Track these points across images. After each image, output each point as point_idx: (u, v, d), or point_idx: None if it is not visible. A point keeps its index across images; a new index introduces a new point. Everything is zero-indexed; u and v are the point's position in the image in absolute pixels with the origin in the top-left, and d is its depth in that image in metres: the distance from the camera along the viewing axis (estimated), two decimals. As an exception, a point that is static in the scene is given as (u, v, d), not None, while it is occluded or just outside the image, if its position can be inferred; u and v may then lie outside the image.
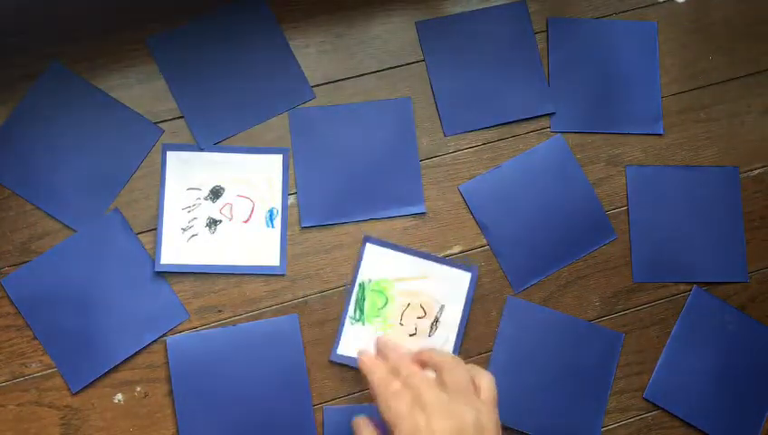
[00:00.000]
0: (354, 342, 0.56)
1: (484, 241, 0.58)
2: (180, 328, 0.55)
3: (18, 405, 0.53)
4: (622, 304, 0.59)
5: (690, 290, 0.59)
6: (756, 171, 0.62)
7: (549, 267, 0.59)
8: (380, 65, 0.60)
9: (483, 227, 0.59)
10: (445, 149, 0.60)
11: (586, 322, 0.58)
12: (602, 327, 0.58)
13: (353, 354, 0.55)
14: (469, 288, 0.57)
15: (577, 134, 0.61)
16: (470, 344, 0.57)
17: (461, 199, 0.59)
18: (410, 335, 0.56)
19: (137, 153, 0.57)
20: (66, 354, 0.53)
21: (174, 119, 0.58)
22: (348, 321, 0.56)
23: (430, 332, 0.56)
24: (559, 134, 0.61)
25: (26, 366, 0.53)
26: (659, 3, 0.64)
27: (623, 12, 0.63)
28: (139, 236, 0.56)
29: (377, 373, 0.46)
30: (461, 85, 0.60)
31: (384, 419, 0.44)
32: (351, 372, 0.56)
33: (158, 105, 0.58)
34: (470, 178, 0.59)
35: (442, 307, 0.57)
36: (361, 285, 0.56)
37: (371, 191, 0.58)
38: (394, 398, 0.44)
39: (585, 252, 0.59)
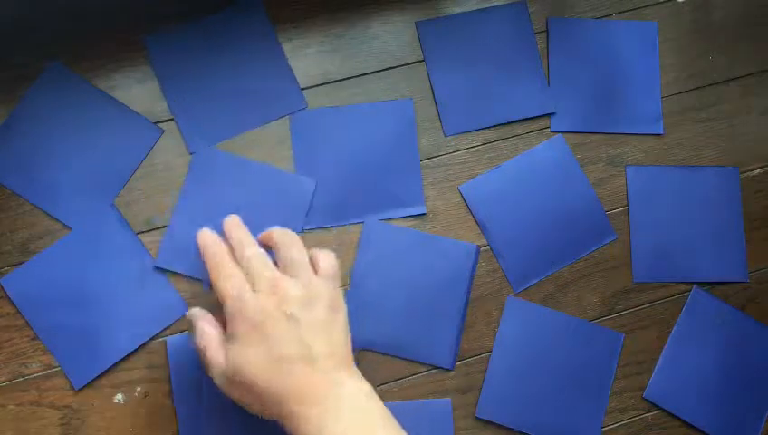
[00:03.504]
0: None
1: (485, 241, 0.58)
2: (180, 328, 0.55)
3: (18, 405, 0.53)
4: (622, 304, 0.59)
5: (690, 290, 0.59)
6: (756, 171, 0.62)
7: (549, 267, 0.59)
8: (380, 65, 0.60)
9: (483, 227, 0.59)
10: (445, 149, 0.60)
11: (586, 322, 0.58)
12: (602, 327, 0.58)
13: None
14: None
15: (577, 134, 0.61)
16: (470, 344, 0.57)
17: (461, 199, 0.59)
18: None
19: (137, 153, 0.57)
20: (68, 352, 0.53)
21: (173, 119, 0.57)
22: None
23: None
24: (559, 134, 0.61)
25: (26, 366, 0.53)
26: (659, 3, 0.64)
27: (623, 12, 0.63)
28: (138, 236, 0.56)
29: (213, 248, 0.47)
30: (461, 85, 0.60)
31: (217, 295, 0.46)
32: (351, 372, 0.55)
33: (158, 105, 0.57)
34: (470, 178, 0.59)
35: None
36: None
37: (372, 193, 0.58)
38: (226, 278, 0.45)
39: (585, 252, 0.59)
